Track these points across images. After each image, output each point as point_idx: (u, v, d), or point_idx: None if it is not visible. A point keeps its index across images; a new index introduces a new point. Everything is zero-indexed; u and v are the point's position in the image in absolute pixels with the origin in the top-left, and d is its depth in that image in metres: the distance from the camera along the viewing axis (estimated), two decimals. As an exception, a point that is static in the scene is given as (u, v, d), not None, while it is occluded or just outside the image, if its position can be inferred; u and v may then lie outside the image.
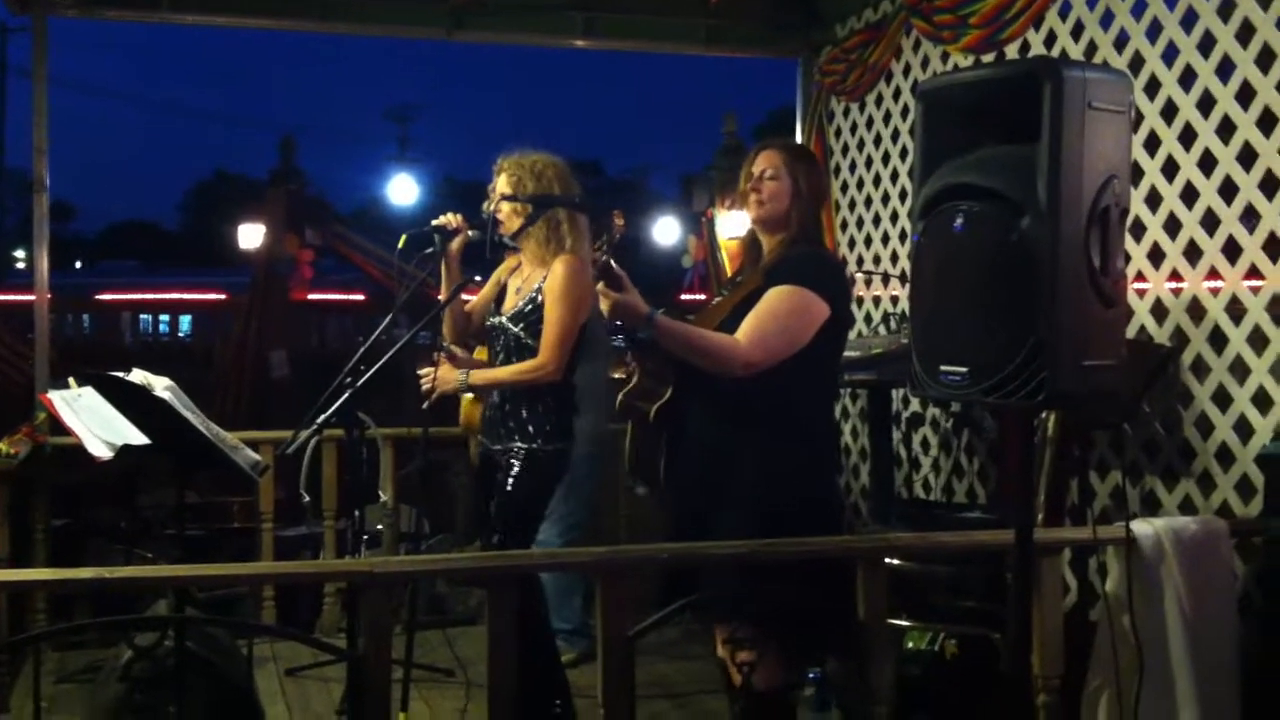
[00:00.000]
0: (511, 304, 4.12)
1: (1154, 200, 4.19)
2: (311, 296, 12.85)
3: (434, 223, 4.07)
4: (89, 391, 3.87)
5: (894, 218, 5.73)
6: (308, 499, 4.70)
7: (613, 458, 5.31)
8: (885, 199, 5.80)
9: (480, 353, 4.41)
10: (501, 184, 4.08)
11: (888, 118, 5.77)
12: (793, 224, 3.43)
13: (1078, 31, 4.55)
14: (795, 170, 3.45)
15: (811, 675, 3.50)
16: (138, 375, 3.70)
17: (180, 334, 28.82)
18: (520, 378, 4.00)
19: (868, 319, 5.94)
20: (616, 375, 3.74)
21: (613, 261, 3.09)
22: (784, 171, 3.44)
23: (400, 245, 4.06)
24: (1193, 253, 4.05)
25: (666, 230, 18.21)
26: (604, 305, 3.15)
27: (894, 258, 5.73)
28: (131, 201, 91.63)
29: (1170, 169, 4.12)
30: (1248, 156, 3.83)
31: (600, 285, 3.13)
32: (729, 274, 5.66)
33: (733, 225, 7.30)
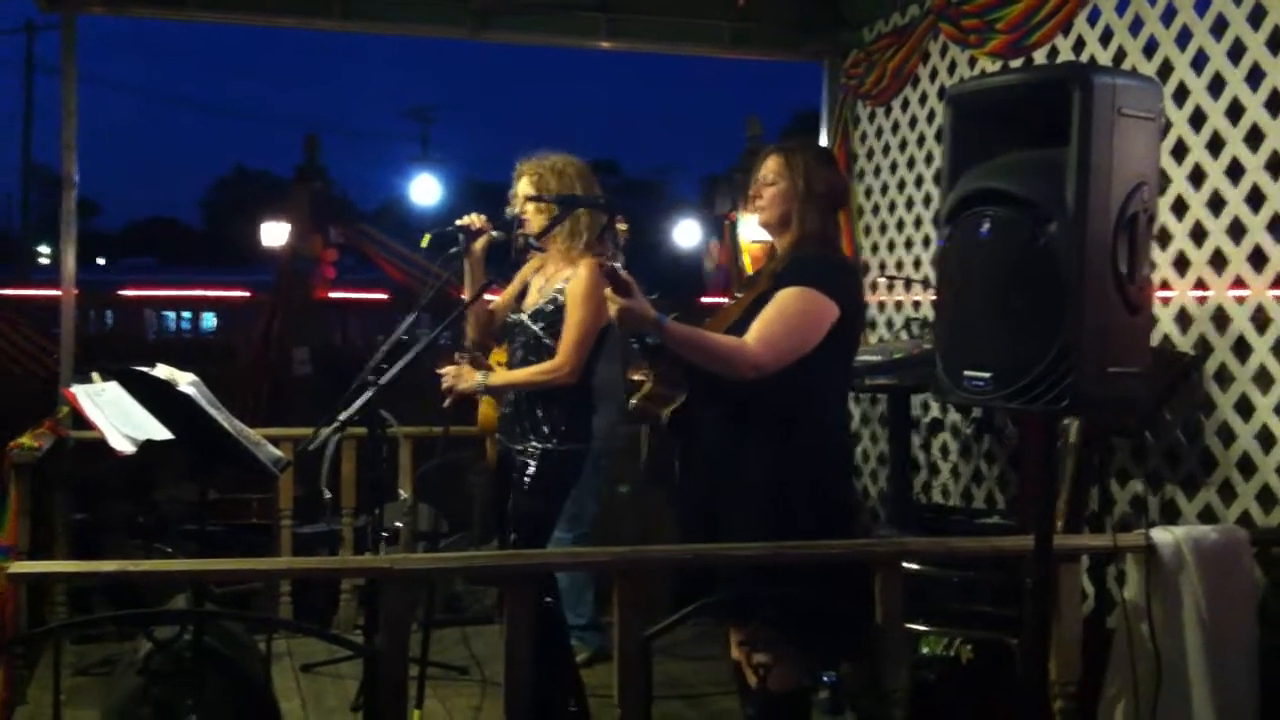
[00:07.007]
0: (533, 301, 4.13)
1: (1180, 208, 4.17)
2: (333, 295, 12.89)
3: (457, 222, 4.09)
4: (112, 386, 3.88)
5: (918, 223, 5.72)
6: (329, 496, 4.72)
7: (622, 458, 5.30)
8: (909, 204, 5.79)
9: (497, 355, 4.42)
10: (524, 186, 4.09)
11: (914, 123, 5.75)
12: (796, 226, 3.39)
13: (1106, 38, 4.53)
14: (796, 172, 3.38)
15: (826, 678, 3.50)
16: (162, 370, 3.71)
17: (203, 330, 28.94)
18: (537, 379, 4.01)
19: (889, 324, 5.93)
20: (636, 377, 3.74)
21: (619, 267, 3.07)
22: (783, 175, 3.39)
23: (423, 244, 4.07)
24: (1218, 261, 4.03)
25: (688, 233, 18.22)
26: (611, 311, 3.11)
27: (916, 263, 5.72)
28: (153, 197, 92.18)
29: (1197, 177, 4.10)
30: (1276, 165, 3.80)
31: (607, 291, 3.11)
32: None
33: (755, 228, 7.27)
